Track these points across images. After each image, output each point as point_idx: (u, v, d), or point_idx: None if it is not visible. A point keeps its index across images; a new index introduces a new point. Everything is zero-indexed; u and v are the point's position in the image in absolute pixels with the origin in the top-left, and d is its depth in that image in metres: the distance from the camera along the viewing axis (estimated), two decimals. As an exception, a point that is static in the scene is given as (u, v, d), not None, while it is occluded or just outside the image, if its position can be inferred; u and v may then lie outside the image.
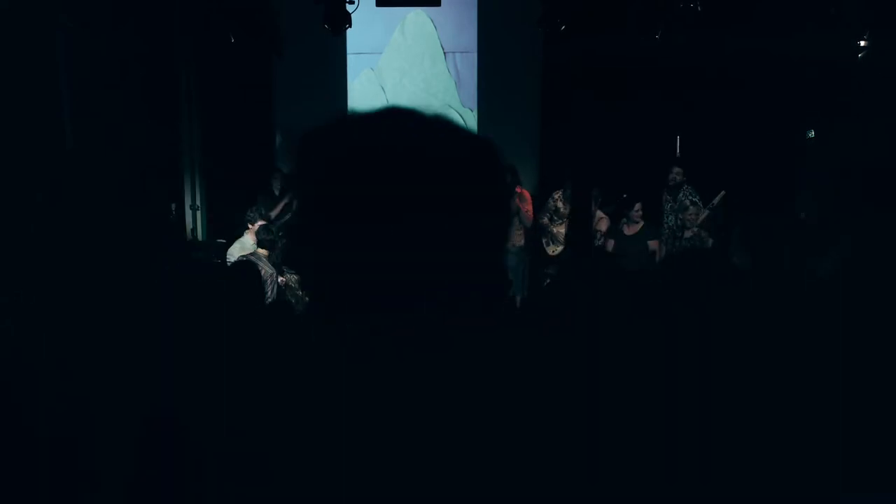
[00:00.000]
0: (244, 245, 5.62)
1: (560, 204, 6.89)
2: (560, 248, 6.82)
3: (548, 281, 6.34)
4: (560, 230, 6.82)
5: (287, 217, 6.80)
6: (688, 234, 6.07)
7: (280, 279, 5.39)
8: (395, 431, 0.69)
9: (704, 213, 6.14)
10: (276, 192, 7.23)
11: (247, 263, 3.90)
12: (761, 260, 5.64)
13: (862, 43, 6.00)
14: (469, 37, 8.50)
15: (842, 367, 1.82)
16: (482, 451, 0.69)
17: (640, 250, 5.93)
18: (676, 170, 6.53)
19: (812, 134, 6.78)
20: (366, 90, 8.53)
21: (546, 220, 6.95)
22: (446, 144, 0.73)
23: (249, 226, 5.74)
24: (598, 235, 6.54)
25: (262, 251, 5.40)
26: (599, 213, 6.67)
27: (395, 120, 0.75)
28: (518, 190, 6.86)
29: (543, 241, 6.93)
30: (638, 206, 6.06)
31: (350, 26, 7.34)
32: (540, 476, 0.70)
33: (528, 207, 6.89)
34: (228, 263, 5.67)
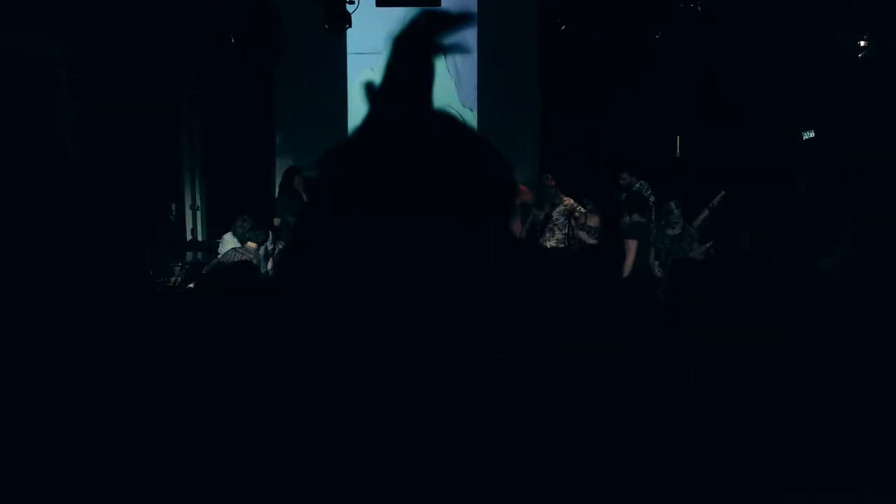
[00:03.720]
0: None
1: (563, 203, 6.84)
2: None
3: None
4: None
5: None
6: (673, 231, 5.94)
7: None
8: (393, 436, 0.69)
9: (704, 213, 6.12)
10: (301, 191, 6.77)
11: (246, 263, 3.91)
12: (760, 259, 5.65)
13: (862, 43, 6.01)
14: (469, 37, 8.49)
15: (841, 367, 1.83)
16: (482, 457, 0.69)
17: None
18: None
19: (812, 134, 6.78)
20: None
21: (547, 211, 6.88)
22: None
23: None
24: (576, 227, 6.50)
25: (252, 244, 5.46)
26: (590, 208, 6.55)
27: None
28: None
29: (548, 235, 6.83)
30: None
31: (350, 26, 7.34)
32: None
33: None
34: (220, 252, 5.76)
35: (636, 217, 6.01)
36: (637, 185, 6.61)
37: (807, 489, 1.68)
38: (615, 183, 6.64)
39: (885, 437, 1.79)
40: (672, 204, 5.85)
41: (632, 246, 5.82)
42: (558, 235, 6.65)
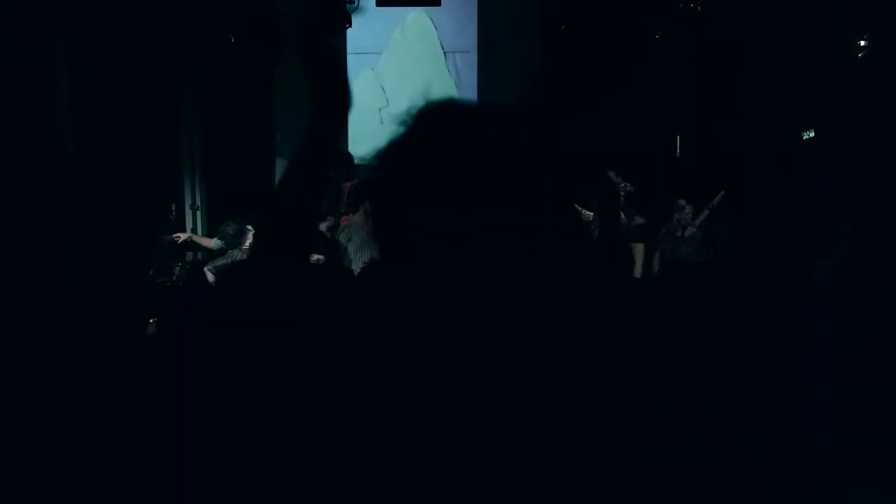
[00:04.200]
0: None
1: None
2: None
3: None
4: None
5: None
6: (687, 232, 5.95)
7: None
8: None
9: (704, 213, 6.12)
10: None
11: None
12: (759, 260, 5.64)
13: (862, 43, 6.01)
14: (469, 37, 8.49)
15: (842, 365, 1.83)
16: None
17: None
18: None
19: (811, 134, 6.78)
20: (366, 90, 8.53)
21: None
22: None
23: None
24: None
25: None
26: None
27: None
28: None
29: None
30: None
31: (350, 26, 7.34)
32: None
33: None
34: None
35: (638, 219, 5.98)
36: (623, 186, 6.46)
37: (807, 486, 1.68)
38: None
39: (885, 435, 1.79)
40: (688, 208, 5.87)
41: (639, 250, 5.76)
42: None
